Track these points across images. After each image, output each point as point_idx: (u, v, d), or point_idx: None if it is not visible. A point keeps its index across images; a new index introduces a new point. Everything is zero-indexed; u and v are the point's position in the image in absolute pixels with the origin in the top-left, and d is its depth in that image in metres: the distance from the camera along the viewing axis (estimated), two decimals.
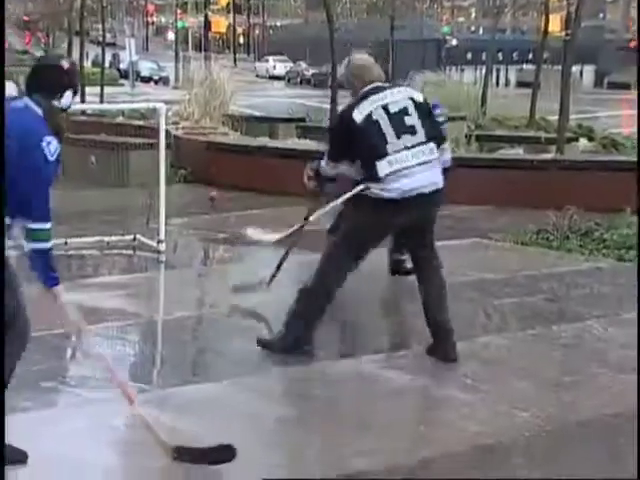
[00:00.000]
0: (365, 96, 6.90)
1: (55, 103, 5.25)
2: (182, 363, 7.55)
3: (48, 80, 5.31)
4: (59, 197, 5.85)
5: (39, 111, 5.15)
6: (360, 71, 7.10)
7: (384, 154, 6.72)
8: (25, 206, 5.12)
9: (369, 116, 6.80)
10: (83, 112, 16.65)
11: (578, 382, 7.25)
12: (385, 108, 6.87)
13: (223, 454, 4.94)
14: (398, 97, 7.07)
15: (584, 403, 6.73)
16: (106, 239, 9.51)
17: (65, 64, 5.18)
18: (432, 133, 7.04)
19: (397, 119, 6.87)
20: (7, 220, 5.19)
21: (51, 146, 5.08)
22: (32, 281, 5.28)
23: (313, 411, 6.57)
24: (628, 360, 7.23)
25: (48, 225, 5.11)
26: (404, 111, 6.92)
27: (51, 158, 5.05)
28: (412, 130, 6.87)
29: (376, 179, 6.75)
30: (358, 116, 6.80)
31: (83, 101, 17.36)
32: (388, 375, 7.06)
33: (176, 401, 6.47)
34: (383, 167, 6.71)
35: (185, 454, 5.30)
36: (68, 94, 5.06)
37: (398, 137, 6.77)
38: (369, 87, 6.94)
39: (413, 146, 6.87)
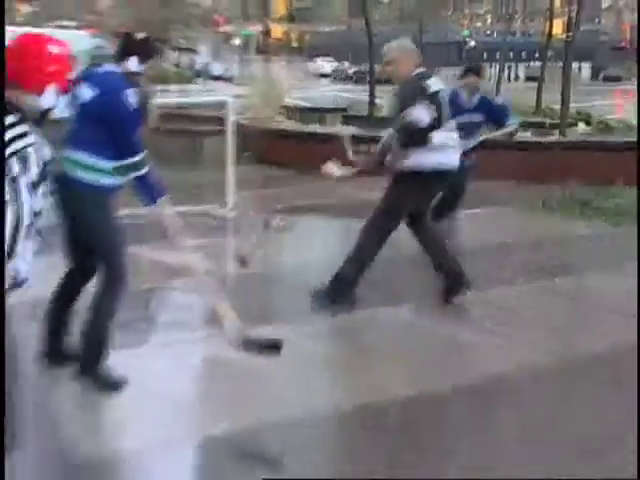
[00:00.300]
0: (424, 76, 6.87)
1: (131, 65, 5.41)
2: (250, 310, 7.30)
3: (126, 48, 5.48)
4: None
5: (119, 72, 5.34)
6: (414, 53, 7.07)
7: (439, 127, 6.75)
8: (125, 148, 5.30)
9: (438, 92, 6.82)
10: (166, 106, 16.57)
11: (578, 324, 7.61)
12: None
13: (275, 347, 5.29)
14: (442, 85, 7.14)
15: (582, 342, 6.88)
16: (188, 208, 9.95)
17: (139, 35, 5.39)
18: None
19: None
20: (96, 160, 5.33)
21: (131, 98, 5.27)
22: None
23: (357, 349, 6.81)
24: (622, 304, 7.41)
25: (142, 156, 5.34)
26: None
27: (133, 107, 5.26)
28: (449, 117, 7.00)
29: (425, 147, 6.76)
30: (432, 87, 6.78)
31: (167, 97, 17.81)
32: (422, 321, 7.20)
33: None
34: (435, 137, 6.74)
35: (251, 344, 5.56)
36: (133, 59, 5.25)
37: (447, 119, 6.87)
38: (421, 70, 6.91)
39: (452, 130, 7.00)
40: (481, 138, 8.47)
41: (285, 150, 13.23)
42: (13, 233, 3.41)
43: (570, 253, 9.45)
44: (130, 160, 5.33)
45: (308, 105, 20.94)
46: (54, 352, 5.36)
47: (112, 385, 5.06)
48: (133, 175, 5.39)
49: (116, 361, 5.36)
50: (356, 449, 5.17)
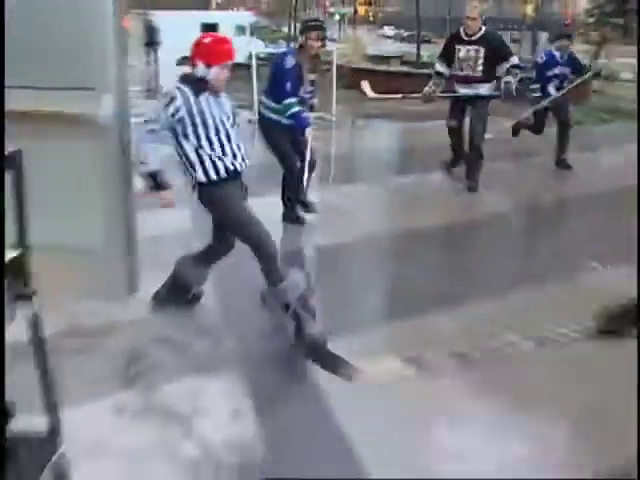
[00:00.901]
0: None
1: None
2: (341, 172, 8.28)
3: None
4: None
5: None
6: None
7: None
8: (282, 94, 5.42)
9: None
10: None
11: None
12: None
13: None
14: None
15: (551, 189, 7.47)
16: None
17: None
18: None
19: None
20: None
21: (286, 62, 5.44)
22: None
23: (409, 200, 6.98)
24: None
25: (291, 100, 5.41)
26: None
27: (287, 67, 5.42)
28: None
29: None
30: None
31: None
32: (447, 181, 7.58)
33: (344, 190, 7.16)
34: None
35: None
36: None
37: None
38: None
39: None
40: (568, 87, 8.14)
41: (364, 80, 12.83)
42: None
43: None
44: (285, 102, 5.41)
45: (379, 54, 21.18)
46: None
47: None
48: (290, 112, 5.44)
49: None
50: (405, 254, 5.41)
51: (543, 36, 20.35)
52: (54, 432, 2.58)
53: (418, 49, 18.82)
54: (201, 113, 3.72)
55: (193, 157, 3.74)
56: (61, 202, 3.65)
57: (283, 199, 5.84)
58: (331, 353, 3.62)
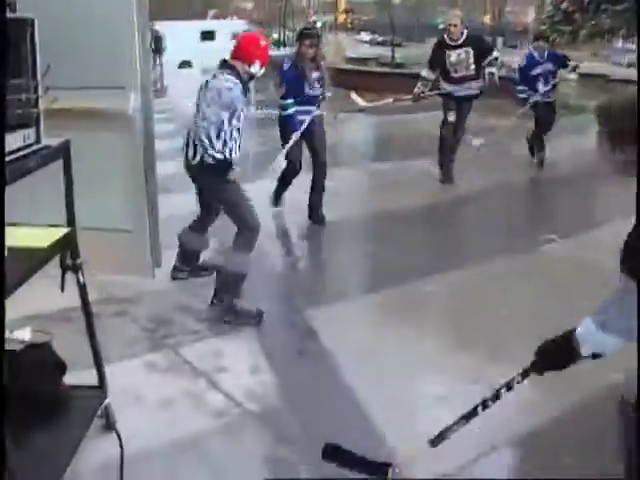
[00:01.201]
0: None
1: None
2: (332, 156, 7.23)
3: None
4: None
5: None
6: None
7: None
8: (284, 95, 5.38)
9: None
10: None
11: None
12: None
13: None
14: None
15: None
16: None
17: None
18: None
19: None
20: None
21: (284, 66, 5.34)
22: None
23: (391, 185, 6.88)
24: None
25: (290, 100, 5.32)
26: None
27: (285, 70, 5.34)
28: None
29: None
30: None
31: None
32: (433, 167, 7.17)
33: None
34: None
35: None
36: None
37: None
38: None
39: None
40: (554, 81, 7.70)
41: (346, 79, 12.79)
42: (209, 133, 3.59)
43: None
44: (285, 102, 5.37)
45: (357, 56, 21.45)
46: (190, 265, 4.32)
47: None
48: (286, 112, 5.38)
49: None
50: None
51: (499, 41, 20.38)
52: (102, 384, 2.65)
53: (393, 52, 19.08)
54: (246, 103, 3.79)
55: (220, 139, 3.66)
56: (93, 187, 3.74)
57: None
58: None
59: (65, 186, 2.59)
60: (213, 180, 3.70)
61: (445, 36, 6.90)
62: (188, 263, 4.25)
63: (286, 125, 5.34)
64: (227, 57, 3.81)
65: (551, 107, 7.77)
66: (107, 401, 2.68)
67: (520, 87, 7.79)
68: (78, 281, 2.47)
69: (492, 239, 5.41)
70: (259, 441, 2.78)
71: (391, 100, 7.73)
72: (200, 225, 4.17)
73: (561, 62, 7.81)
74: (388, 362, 3.33)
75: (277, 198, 5.93)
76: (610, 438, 2.02)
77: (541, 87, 7.65)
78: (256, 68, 3.76)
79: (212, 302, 3.84)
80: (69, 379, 2.61)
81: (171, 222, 4.37)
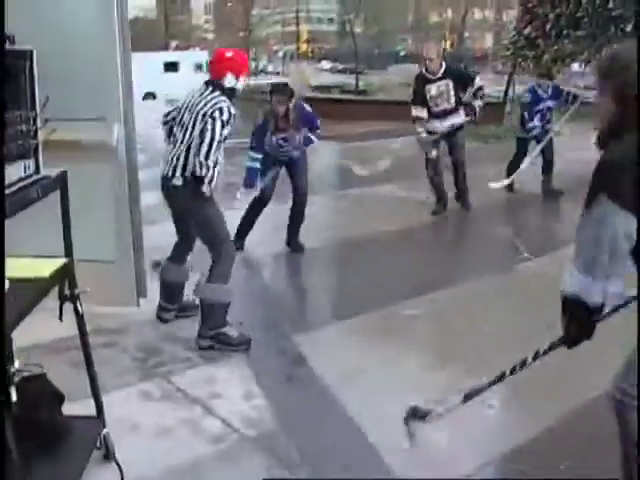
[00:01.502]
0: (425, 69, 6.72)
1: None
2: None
3: None
4: None
5: None
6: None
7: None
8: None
9: None
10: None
11: None
12: None
13: None
14: None
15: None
16: None
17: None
18: None
19: None
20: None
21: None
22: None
23: (360, 209, 7.07)
24: None
25: (251, 153, 5.32)
26: None
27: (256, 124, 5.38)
28: None
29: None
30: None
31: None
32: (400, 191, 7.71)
33: None
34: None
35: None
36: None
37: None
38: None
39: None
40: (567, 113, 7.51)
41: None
42: (208, 149, 3.53)
43: None
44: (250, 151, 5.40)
45: (322, 84, 21.56)
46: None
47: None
48: (247, 162, 5.41)
49: None
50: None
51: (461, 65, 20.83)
52: (99, 414, 2.66)
53: (357, 79, 19.38)
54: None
55: (212, 155, 3.60)
56: (77, 218, 3.70)
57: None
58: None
59: (62, 216, 2.62)
60: (194, 197, 3.64)
61: (423, 70, 6.78)
62: (172, 300, 4.15)
63: (246, 174, 5.34)
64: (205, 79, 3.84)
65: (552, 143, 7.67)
66: (105, 431, 2.69)
67: (531, 124, 7.57)
68: (77, 311, 2.49)
69: (468, 259, 5.60)
70: (258, 465, 2.81)
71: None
72: (178, 253, 4.10)
73: (560, 97, 7.60)
74: (374, 382, 3.42)
75: (241, 239, 5.62)
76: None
77: (537, 122, 7.53)
78: (230, 80, 3.73)
79: (199, 335, 3.82)
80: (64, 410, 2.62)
81: (156, 252, 4.40)
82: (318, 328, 4.13)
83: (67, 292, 2.49)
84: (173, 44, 33.95)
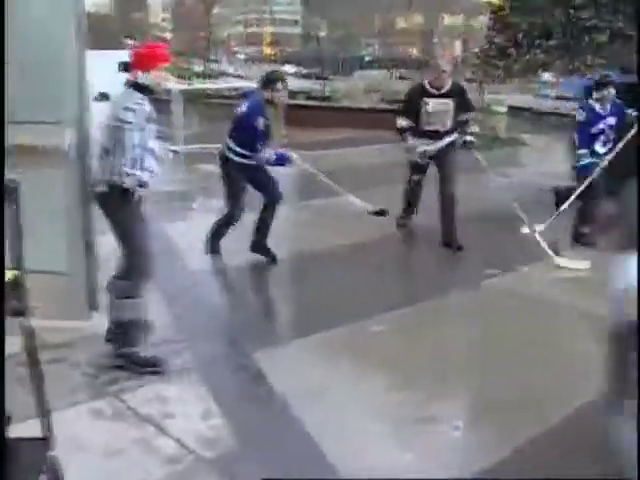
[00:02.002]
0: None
1: None
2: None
3: None
4: None
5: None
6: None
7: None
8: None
9: None
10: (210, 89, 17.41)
11: None
12: None
13: None
14: None
15: None
16: None
17: None
18: None
19: None
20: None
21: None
22: None
23: (317, 223, 6.96)
24: None
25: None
26: None
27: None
28: None
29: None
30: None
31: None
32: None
33: None
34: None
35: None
36: None
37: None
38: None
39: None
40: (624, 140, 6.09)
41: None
42: (122, 154, 3.46)
43: None
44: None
45: None
46: None
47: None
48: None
49: None
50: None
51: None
52: (48, 436, 2.61)
53: (324, 86, 19.54)
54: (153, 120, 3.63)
55: (130, 159, 3.51)
56: (26, 227, 3.64)
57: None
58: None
59: (13, 226, 2.55)
60: (119, 203, 3.57)
61: (425, 82, 6.14)
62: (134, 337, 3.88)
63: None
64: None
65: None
66: (52, 453, 2.63)
67: (582, 151, 6.26)
68: (25, 326, 2.43)
69: (436, 275, 5.60)
70: None
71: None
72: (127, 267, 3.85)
73: (623, 117, 6.35)
74: (336, 400, 3.46)
75: (214, 243, 5.67)
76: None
77: (601, 149, 6.27)
78: (140, 77, 3.60)
79: (116, 355, 3.72)
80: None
81: (113, 263, 4.33)
82: (278, 344, 4.12)
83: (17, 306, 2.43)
84: (129, 43, 33.57)
